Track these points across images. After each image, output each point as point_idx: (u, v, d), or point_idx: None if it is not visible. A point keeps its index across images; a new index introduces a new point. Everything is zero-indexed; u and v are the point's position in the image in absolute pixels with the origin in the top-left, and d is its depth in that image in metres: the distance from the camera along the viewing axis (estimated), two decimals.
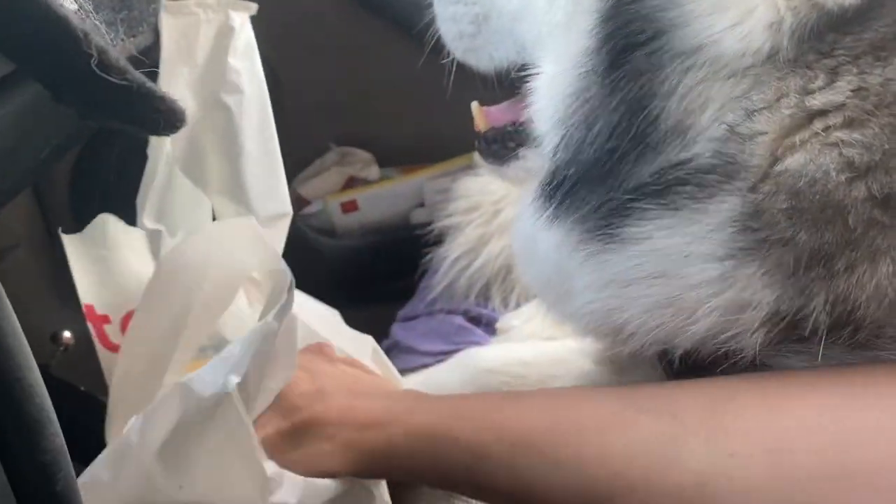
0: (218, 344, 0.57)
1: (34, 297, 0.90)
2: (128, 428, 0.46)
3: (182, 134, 0.59)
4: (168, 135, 0.47)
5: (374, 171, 1.09)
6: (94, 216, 0.67)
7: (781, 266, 0.33)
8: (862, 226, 0.32)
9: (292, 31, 1.02)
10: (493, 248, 0.81)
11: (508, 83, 0.50)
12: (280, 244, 0.63)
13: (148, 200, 0.60)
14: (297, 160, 1.08)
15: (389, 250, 1.04)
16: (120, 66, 0.36)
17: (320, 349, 0.57)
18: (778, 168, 0.33)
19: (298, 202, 1.08)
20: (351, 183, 1.09)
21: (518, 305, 0.79)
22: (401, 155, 1.09)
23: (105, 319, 0.62)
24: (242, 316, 0.59)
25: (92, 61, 0.34)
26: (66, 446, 0.36)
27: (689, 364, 0.40)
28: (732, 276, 0.34)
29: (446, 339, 0.79)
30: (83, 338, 0.78)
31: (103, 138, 0.86)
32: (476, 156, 0.97)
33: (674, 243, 0.35)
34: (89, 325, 0.63)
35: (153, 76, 0.63)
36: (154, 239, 0.61)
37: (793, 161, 0.33)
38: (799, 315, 0.33)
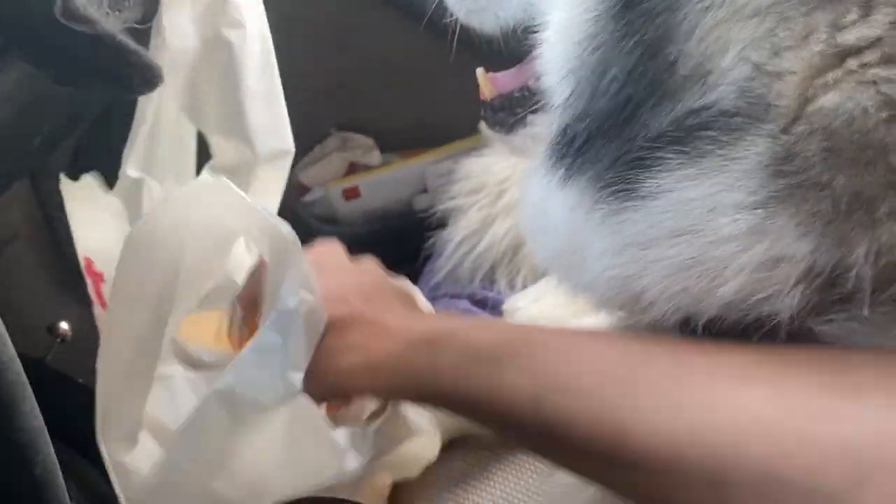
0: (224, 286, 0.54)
1: (32, 289, 0.88)
2: (163, 461, 0.45)
3: (182, 72, 0.58)
4: (144, 93, 0.45)
5: (375, 157, 1.07)
6: None
7: (818, 214, 0.31)
8: None
9: (291, 16, 1.00)
10: (497, 229, 0.79)
11: (515, 49, 0.48)
12: (281, 185, 0.62)
13: (135, 149, 0.59)
14: (297, 146, 1.06)
15: (392, 237, 1.02)
16: (86, 16, 0.34)
17: (329, 250, 0.53)
18: (811, 108, 0.31)
19: (299, 189, 1.06)
20: (352, 169, 1.07)
21: (524, 287, 0.76)
22: (402, 140, 1.07)
23: (101, 277, 0.60)
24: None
25: (55, 10, 0.32)
26: (45, 428, 0.34)
27: (713, 333, 0.38)
28: (764, 227, 0.32)
29: None
30: (81, 329, 0.76)
31: (100, 129, 0.85)
32: (479, 138, 0.96)
33: (699, 194, 0.33)
34: (88, 280, 0.61)
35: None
36: (134, 188, 0.58)
37: (827, 100, 0.30)
38: (838, 269, 0.31)
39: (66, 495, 0.35)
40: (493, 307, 0.77)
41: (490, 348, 0.40)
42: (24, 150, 0.62)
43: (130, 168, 0.60)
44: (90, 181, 0.62)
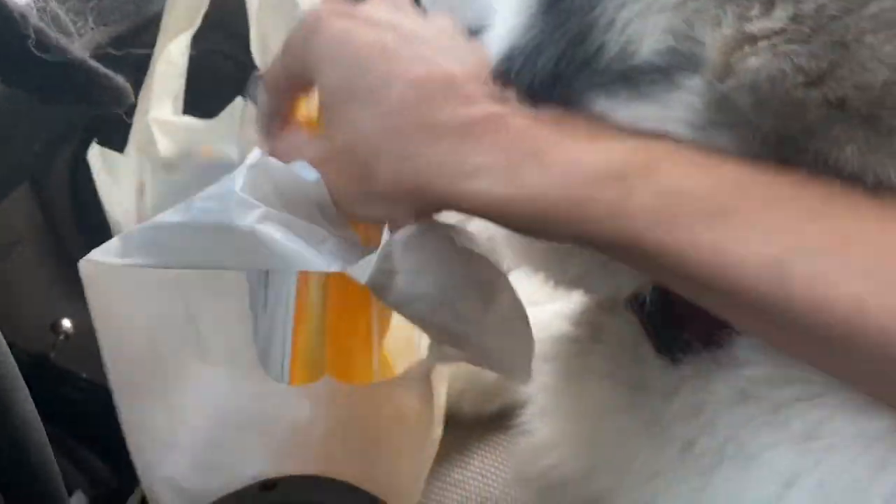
0: None
1: (35, 289, 0.91)
2: None
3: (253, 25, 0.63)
4: (116, 110, 0.48)
5: None
6: (93, 210, 0.68)
7: (752, 143, 0.32)
8: (822, 122, 0.32)
9: None
10: (478, 220, 0.81)
11: None
12: None
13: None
14: None
15: None
16: (59, 46, 0.37)
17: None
18: (739, 68, 0.32)
19: None
20: None
21: (508, 271, 0.79)
22: None
23: None
24: None
25: (30, 42, 0.35)
26: (37, 415, 0.36)
27: (660, 306, 0.40)
28: (707, 140, 0.33)
29: None
30: (83, 326, 0.79)
31: (100, 131, 0.88)
32: None
33: (648, 113, 0.34)
34: None
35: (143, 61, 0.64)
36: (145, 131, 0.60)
37: (751, 62, 0.32)
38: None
39: (60, 476, 0.38)
40: None
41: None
42: (24, 156, 0.65)
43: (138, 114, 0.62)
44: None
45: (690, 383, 0.39)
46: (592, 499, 0.42)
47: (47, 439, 0.38)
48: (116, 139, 0.87)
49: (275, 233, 0.36)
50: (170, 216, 0.39)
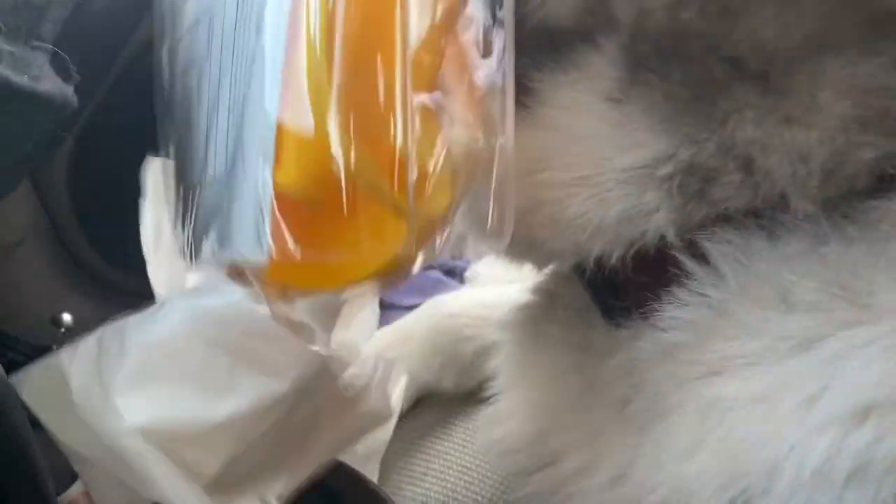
0: None
1: (38, 285, 0.94)
2: None
3: None
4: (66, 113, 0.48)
5: None
6: (93, 206, 0.70)
7: (667, 103, 0.34)
8: (724, 82, 0.33)
9: None
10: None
11: None
12: None
13: None
14: None
15: None
16: None
17: None
18: (646, 28, 0.34)
19: None
20: None
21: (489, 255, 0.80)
22: None
23: None
24: None
25: None
26: (6, 378, 0.37)
27: (604, 275, 0.41)
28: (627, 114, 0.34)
29: (424, 292, 0.81)
30: (82, 320, 0.82)
31: (98, 127, 0.90)
32: None
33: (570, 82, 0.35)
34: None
35: None
36: None
37: (652, 25, 0.33)
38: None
39: (40, 459, 0.39)
40: (461, 275, 0.82)
41: None
42: (17, 154, 0.67)
43: None
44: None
45: (626, 344, 0.40)
46: (544, 461, 0.44)
47: (20, 402, 0.39)
48: (114, 137, 0.89)
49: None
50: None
